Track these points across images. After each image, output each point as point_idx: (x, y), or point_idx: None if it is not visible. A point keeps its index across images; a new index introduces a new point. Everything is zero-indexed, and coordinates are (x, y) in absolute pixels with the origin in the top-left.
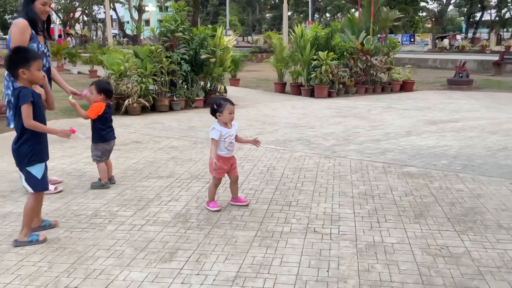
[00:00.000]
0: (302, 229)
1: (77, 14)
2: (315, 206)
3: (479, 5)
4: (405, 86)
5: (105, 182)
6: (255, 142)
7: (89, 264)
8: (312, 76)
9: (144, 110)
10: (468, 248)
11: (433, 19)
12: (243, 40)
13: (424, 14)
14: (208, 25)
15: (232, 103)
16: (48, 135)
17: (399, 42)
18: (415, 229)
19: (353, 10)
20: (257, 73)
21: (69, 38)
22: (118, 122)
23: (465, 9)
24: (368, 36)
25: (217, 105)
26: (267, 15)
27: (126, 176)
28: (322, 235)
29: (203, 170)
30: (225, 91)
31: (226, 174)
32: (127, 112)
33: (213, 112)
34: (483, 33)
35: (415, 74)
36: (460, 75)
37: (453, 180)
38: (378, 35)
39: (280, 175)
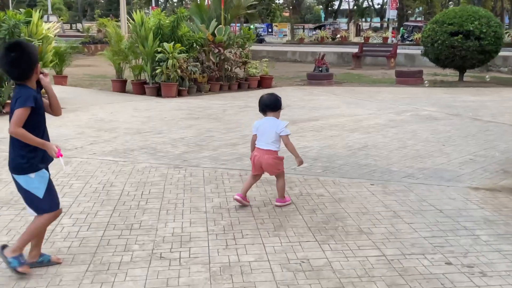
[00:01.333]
0: (146, 256)
1: None
2: (162, 227)
3: None
4: (263, 82)
5: None
6: None
7: None
8: (157, 71)
9: None
10: (329, 258)
11: (291, 7)
12: (71, 28)
13: (281, 1)
14: (21, 9)
15: None
16: None
17: (254, 32)
18: (275, 243)
19: None
20: (90, 69)
21: None
22: None
23: None
24: (220, 26)
25: (279, 102)
26: None
27: None
28: (169, 261)
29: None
30: None
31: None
32: None
33: (278, 107)
34: (342, 23)
35: (273, 68)
36: (320, 69)
37: (313, 185)
38: (231, 24)
39: (119, 192)
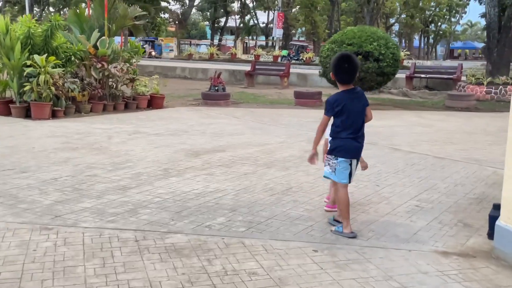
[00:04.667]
0: None
1: None
2: None
3: (222, 10)
4: (154, 102)
5: None
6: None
7: None
8: (26, 89)
9: None
10: None
11: (177, 22)
12: None
13: (167, 16)
14: None
15: None
16: None
17: (142, 46)
18: None
19: (83, 4)
20: None
21: None
22: None
23: (209, 13)
24: (103, 37)
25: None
26: None
27: None
28: None
29: None
30: None
31: None
32: None
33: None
34: (229, 40)
35: (165, 86)
36: (216, 88)
37: (239, 254)
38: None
39: None
